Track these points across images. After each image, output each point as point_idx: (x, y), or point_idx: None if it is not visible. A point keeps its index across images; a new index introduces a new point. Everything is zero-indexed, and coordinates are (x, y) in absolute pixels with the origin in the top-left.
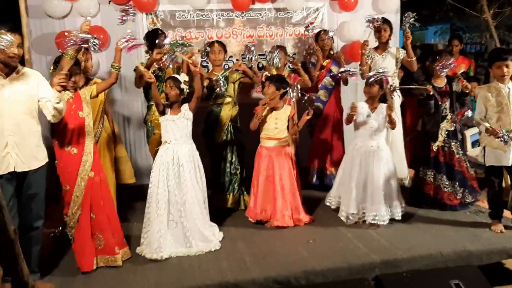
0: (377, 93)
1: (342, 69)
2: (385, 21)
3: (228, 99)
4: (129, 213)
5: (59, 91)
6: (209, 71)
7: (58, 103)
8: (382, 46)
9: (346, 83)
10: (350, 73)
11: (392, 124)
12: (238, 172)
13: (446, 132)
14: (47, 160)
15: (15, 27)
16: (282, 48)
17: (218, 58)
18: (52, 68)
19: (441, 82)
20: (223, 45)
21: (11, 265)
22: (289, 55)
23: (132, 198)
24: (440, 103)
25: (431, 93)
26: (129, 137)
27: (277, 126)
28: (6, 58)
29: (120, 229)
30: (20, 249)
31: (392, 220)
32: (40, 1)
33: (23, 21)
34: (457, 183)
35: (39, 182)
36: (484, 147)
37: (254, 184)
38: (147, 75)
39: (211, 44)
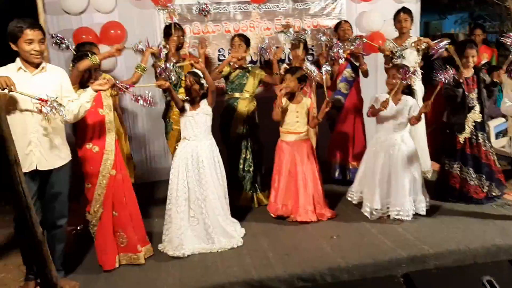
0: (400, 85)
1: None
2: (406, 10)
3: (246, 95)
4: (151, 209)
5: (96, 91)
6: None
7: (88, 102)
8: (403, 37)
9: (366, 75)
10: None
11: (417, 120)
12: (251, 169)
13: (474, 124)
14: (70, 158)
15: (35, 22)
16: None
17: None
18: (71, 65)
19: (468, 72)
20: (243, 39)
21: (39, 267)
22: (311, 49)
23: (154, 194)
24: (466, 93)
25: (462, 80)
26: (147, 133)
27: (298, 119)
28: (27, 54)
29: (142, 226)
30: (48, 251)
31: (416, 214)
32: None
33: (40, 18)
34: (484, 176)
35: (62, 180)
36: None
37: (275, 179)
38: (163, 84)
39: (232, 38)
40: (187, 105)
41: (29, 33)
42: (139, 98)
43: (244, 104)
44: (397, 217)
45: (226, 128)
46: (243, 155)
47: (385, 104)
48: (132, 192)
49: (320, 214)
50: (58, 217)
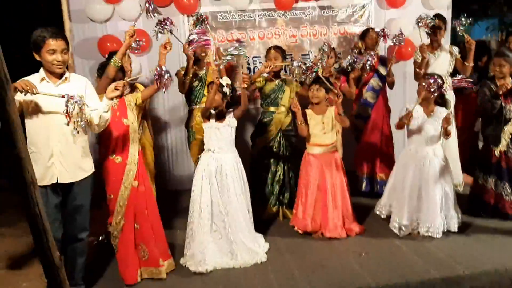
0: (431, 95)
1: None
2: (440, 17)
3: (282, 109)
4: (173, 219)
5: (111, 99)
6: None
7: (106, 112)
8: (435, 44)
9: (392, 86)
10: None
11: (447, 135)
12: (279, 184)
13: (510, 137)
14: (93, 170)
15: (58, 31)
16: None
17: (275, 63)
18: (96, 75)
19: (505, 82)
20: (280, 51)
21: None
22: (338, 56)
23: (176, 203)
24: (503, 104)
25: (503, 91)
26: (171, 141)
27: (324, 130)
28: (49, 64)
29: (164, 239)
30: (65, 276)
31: (448, 231)
32: (83, 5)
33: (66, 26)
34: None
35: (84, 193)
36: None
37: (302, 193)
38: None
39: (267, 50)
40: (212, 115)
41: (52, 43)
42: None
43: (280, 118)
44: (427, 234)
45: (258, 139)
46: (273, 169)
47: (408, 117)
48: (154, 204)
49: (348, 229)
50: (79, 230)
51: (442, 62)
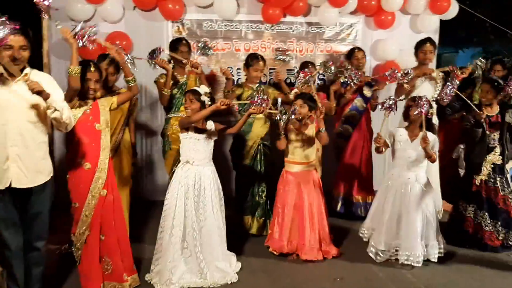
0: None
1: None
2: (432, 42)
3: (260, 115)
4: (143, 231)
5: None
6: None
7: (51, 111)
8: (422, 68)
9: (374, 109)
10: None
11: (429, 158)
12: (264, 195)
13: (492, 166)
14: (52, 174)
15: (20, 28)
16: (312, 64)
17: (259, 75)
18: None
19: (492, 110)
20: (265, 62)
21: None
22: (318, 73)
23: (146, 214)
24: (488, 133)
25: (482, 120)
26: (146, 151)
27: (304, 148)
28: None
29: (130, 253)
30: None
31: (428, 260)
32: (63, 4)
33: (43, 24)
34: (499, 222)
35: (43, 199)
36: None
37: (278, 213)
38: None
39: (254, 59)
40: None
41: (9, 39)
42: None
43: (259, 125)
44: (406, 262)
45: (238, 150)
46: (257, 179)
47: (377, 140)
48: (122, 215)
49: (325, 251)
50: (35, 239)
51: (427, 87)
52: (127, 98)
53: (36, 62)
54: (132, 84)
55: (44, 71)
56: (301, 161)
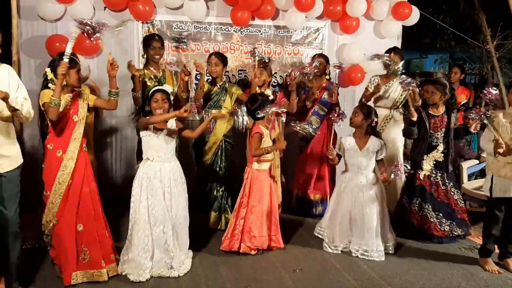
0: (362, 123)
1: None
2: (397, 51)
3: (224, 111)
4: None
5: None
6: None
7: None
8: (390, 75)
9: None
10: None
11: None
12: (221, 190)
13: (434, 163)
14: (21, 161)
15: None
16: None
17: (213, 70)
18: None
19: (438, 111)
20: (221, 58)
21: None
22: (273, 75)
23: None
24: (432, 132)
25: (414, 119)
26: (120, 146)
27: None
28: None
29: (110, 243)
30: None
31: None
32: (33, 3)
33: (13, 22)
34: (441, 214)
35: (12, 186)
36: (492, 177)
37: (244, 208)
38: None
39: (209, 55)
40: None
41: None
42: None
43: (223, 121)
44: (362, 256)
45: (201, 146)
46: (218, 176)
47: (330, 152)
48: (100, 207)
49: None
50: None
51: (393, 93)
52: (103, 107)
53: (6, 60)
54: (113, 98)
55: (13, 68)
56: (270, 158)
